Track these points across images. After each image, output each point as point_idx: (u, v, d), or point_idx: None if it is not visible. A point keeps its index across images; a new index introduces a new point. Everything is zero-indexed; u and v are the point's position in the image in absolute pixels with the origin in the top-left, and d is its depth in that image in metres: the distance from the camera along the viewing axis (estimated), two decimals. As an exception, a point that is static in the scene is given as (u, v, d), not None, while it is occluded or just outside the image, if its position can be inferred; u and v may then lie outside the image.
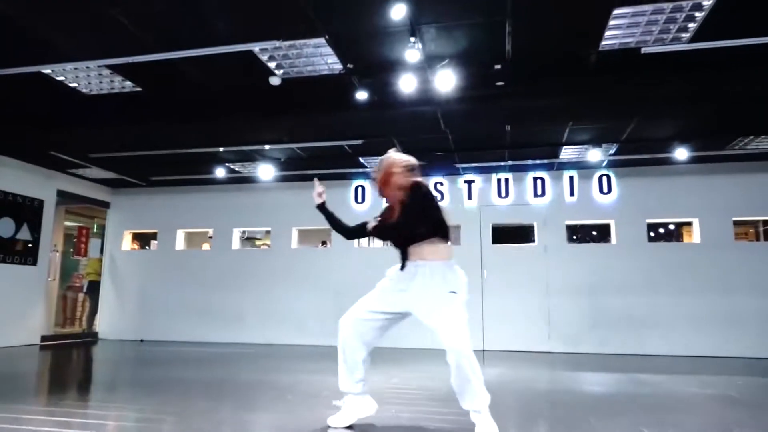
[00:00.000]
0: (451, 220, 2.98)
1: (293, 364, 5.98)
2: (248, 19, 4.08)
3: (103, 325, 9.39)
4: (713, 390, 4.40)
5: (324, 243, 9.52)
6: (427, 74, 4.76)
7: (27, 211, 8.01)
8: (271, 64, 4.72)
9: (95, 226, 11.03)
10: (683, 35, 4.17)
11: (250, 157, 7.61)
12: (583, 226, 8.44)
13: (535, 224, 8.11)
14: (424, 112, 5.30)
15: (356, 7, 3.88)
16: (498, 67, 4.55)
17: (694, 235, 7.70)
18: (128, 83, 5.13)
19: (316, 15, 3.97)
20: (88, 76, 5.01)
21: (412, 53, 4.10)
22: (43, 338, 8.29)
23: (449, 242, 2.96)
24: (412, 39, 4.05)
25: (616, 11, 3.86)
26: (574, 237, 9.73)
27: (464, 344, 2.70)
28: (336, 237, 8.64)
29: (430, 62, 4.60)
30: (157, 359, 6.54)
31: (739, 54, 4.36)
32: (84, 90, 5.31)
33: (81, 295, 10.43)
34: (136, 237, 10.40)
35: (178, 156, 7.34)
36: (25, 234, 7.94)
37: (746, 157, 7.16)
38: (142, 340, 8.98)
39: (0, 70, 4.58)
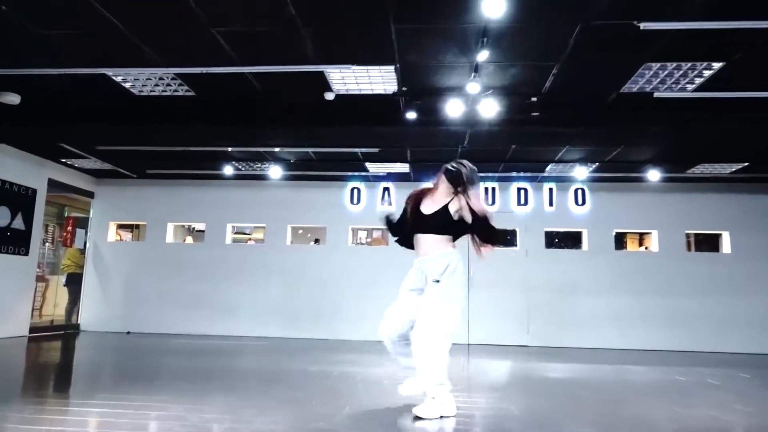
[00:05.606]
0: None
1: (321, 357, 6.37)
2: (331, 45, 4.48)
3: (85, 316, 9.27)
4: (675, 377, 5.37)
5: (317, 241, 9.89)
6: (469, 100, 5.37)
7: (22, 200, 7.82)
8: (334, 83, 5.13)
9: (65, 214, 10.74)
10: (689, 86, 5.04)
11: (261, 157, 7.87)
12: (558, 233, 9.40)
13: (517, 230, 8.96)
14: (455, 131, 5.90)
15: (436, 44, 4.40)
16: (534, 99, 5.23)
17: (653, 244, 8.86)
18: (184, 88, 5.34)
19: (399, 46, 4.44)
20: (147, 79, 5.18)
21: (473, 86, 4.69)
22: (31, 330, 8.13)
23: None
24: (474, 74, 4.64)
25: (645, 64, 4.64)
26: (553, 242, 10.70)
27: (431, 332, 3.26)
28: (331, 236, 9.07)
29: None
30: (157, 351, 6.71)
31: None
32: (134, 91, 5.45)
33: (41, 285, 10.12)
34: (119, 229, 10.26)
35: (189, 152, 7.48)
36: (19, 223, 7.77)
37: (700, 179, 8.35)
38: (128, 332, 8.97)
39: (72, 69, 4.69)
